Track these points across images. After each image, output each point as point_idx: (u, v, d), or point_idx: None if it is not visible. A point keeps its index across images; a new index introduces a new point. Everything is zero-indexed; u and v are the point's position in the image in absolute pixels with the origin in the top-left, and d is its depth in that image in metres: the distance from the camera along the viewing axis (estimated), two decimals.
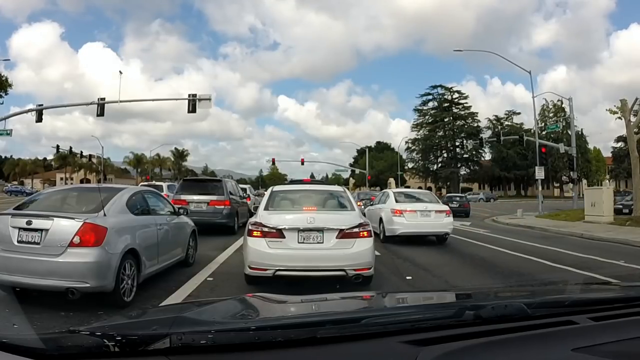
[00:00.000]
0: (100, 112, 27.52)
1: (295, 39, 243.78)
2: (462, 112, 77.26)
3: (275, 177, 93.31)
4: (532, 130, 44.10)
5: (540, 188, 29.57)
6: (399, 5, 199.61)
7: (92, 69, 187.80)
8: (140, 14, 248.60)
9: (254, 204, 17.94)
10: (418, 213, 11.61)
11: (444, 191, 70.73)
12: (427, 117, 78.89)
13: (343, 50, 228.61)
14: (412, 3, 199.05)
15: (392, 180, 67.93)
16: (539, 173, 27.27)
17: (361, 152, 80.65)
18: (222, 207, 13.02)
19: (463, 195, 33.61)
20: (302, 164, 55.08)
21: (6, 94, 33.00)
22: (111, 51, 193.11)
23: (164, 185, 20.91)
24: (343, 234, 5.82)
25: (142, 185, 14.31)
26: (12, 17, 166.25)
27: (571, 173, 28.14)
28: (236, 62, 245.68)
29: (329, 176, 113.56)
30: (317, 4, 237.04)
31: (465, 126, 76.03)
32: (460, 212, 23.75)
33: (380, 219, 12.08)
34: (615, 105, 20.65)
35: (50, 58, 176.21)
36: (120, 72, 32.73)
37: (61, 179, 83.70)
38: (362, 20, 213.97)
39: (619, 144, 61.85)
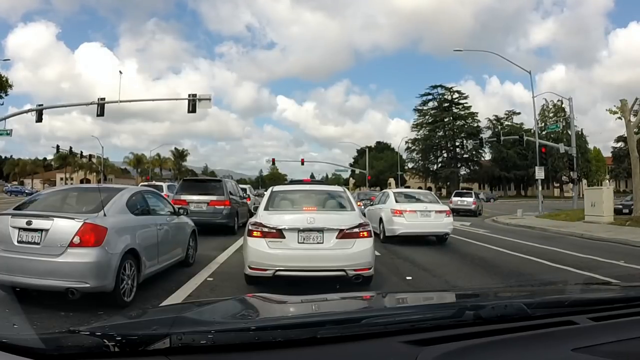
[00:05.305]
0: (100, 112, 27.54)
1: (291, 39, 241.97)
2: (462, 112, 77.41)
3: (275, 177, 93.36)
4: (532, 130, 44.09)
5: (540, 188, 29.60)
6: (396, 4, 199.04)
7: (89, 69, 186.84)
8: (135, 13, 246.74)
9: (254, 204, 17.93)
10: (418, 213, 11.62)
11: (444, 191, 70.78)
12: (427, 117, 79.10)
13: (340, 50, 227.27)
14: (408, 2, 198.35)
15: (392, 180, 68.02)
16: (539, 173, 27.27)
17: (361, 152, 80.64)
18: (222, 207, 13.01)
19: None
20: (302, 164, 55.08)
21: (6, 95, 33.05)
22: (108, 51, 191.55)
23: (164, 185, 20.90)
24: (343, 234, 5.82)
25: (142, 185, 14.31)
26: (6, 17, 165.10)
27: (571, 173, 28.14)
28: (233, 61, 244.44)
29: (329, 176, 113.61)
30: (313, 3, 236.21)
31: (465, 126, 76.12)
32: None
33: (380, 219, 12.08)
34: (615, 105, 20.68)
35: (46, 58, 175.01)
36: (120, 72, 32.80)
37: (61, 179, 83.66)
38: (359, 19, 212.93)
39: (619, 144, 61.94)
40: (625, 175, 57.07)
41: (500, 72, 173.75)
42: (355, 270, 5.72)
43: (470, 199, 27.38)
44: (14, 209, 5.39)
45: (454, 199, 27.56)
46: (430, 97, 79.01)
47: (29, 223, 4.81)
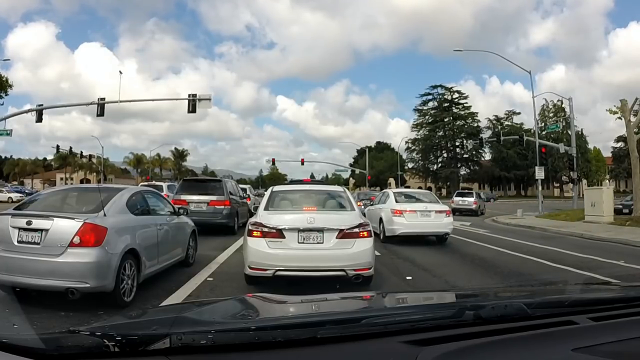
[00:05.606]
0: (101, 112, 27.54)
1: (291, 39, 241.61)
2: (462, 112, 77.43)
3: (275, 177, 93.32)
4: (532, 130, 44.08)
5: (540, 188, 29.61)
6: (396, 4, 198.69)
7: (89, 69, 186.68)
8: (135, 13, 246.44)
9: (254, 204, 17.93)
10: (418, 213, 11.62)
11: (444, 191, 70.77)
12: (427, 117, 79.14)
13: (340, 50, 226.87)
14: (408, 2, 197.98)
15: (392, 180, 68.01)
16: (539, 173, 27.28)
17: (361, 152, 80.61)
18: (222, 207, 13.02)
19: None
20: (302, 164, 55.06)
21: (6, 95, 33.00)
22: (107, 51, 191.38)
23: (164, 185, 20.91)
24: (343, 234, 5.82)
25: (142, 185, 14.30)
26: (6, 17, 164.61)
27: (571, 173, 28.13)
28: (233, 61, 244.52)
29: (329, 176, 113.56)
30: (313, 3, 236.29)
31: (465, 126, 76.14)
32: None
33: (380, 219, 12.08)
34: (615, 105, 20.68)
35: (46, 58, 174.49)
36: (120, 72, 32.73)
37: (61, 179, 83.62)
38: (358, 19, 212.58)
39: (619, 144, 61.92)
40: (625, 175, 57.06)
41: (500, 72, 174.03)
42: (355, 270, 5.71)
43: (472, 199, 28.44)
44: (14, 209, 5.39)
45: (456, 198, 28.67)
46: (430, 97, 79.18)
47: (29, 223, 4.81)
